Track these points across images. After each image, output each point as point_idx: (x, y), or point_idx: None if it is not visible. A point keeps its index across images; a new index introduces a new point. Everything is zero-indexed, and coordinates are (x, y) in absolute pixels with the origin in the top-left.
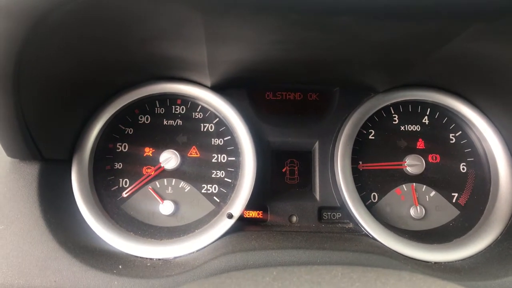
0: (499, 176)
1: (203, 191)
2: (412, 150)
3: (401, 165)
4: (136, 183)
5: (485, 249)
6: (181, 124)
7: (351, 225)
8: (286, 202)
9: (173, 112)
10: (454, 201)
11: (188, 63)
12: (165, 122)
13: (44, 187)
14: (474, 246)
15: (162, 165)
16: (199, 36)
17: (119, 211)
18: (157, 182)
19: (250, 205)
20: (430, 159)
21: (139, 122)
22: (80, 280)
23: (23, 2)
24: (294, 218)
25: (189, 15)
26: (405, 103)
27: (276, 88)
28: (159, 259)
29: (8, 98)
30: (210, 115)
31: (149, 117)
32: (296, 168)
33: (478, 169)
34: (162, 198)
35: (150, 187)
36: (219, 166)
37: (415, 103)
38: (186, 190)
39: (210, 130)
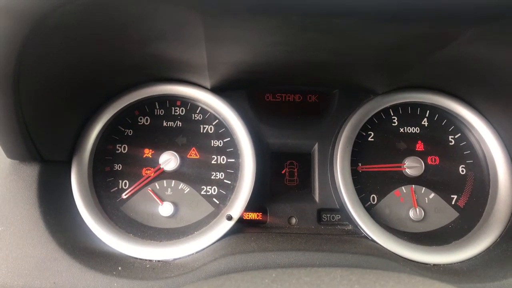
0: (498, 178)
1: (202, 192)
2: (411, 152)
3: (400, 167)
4: (136, 184)
5: (484, 251)
6: (180, 125)
7: (350, 227)
8: (286, 204)
9: (173, 113)
10: (453, 203)
11: (188, 65)
12: (164, 124)
13: (43, 189)
14: (473, 248)
15: (161, 166)
16: (198, 37)
17: (119, 212)
18: (156, 184)
19: (249, 207)
20: (429, 161)
21: (139, 123)
22: (79, 281)
23: (23, 3)
24: (294, 220)
25: (188, 17)
26: (404, 105)
27: (275, 90)
28: (158, 261)
29: (8, 99)
30: (209, 116)
31: (148, 118)
32: (295, 170)
33: (477, 171)
34: (162, 200)
35: (149, 188)
36: (219, 167)
37: (415, 105)
38: (185, 192)
39: (210, 131)
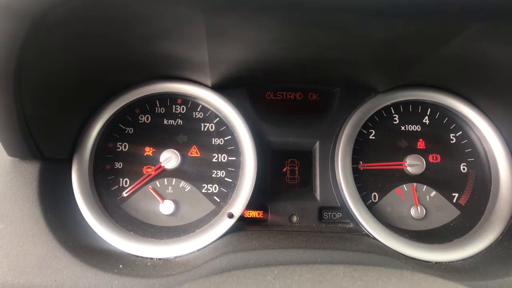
0: (500, 176)
1: (203, 190)
2: (412, 150)
3: (401, 165)
4: (136, 182)
5: (485, 249)
6: (181, 123)
7: (351, 225)
8: (287, 202)
9: (174, 111)
10: (454, 201)
11: (189, 62)
12: (165, 122)
13: (44, 186)
14: (475, 246)
15: (162, 164)
16: (200, 35)
17: (119, 210)
18: (157, 182)
19: (250, 205)
20: (430, 159)
21: (140, 121)
22: (80, 279)
23: (25, 1)
24: (295, 218)
25: (190, 14)
26: (405, 103)
27: (276, 88)
28: (159, 259)
29: (9, 97)
30: (210, 114)
31: (149, 116)
32: (296, 168)
33: (479, 169)
34: (162, 198)
35: (150, 186)
36: (220, 165)
37: (416, 103)
38: (186, 190)
39: (211, 129)
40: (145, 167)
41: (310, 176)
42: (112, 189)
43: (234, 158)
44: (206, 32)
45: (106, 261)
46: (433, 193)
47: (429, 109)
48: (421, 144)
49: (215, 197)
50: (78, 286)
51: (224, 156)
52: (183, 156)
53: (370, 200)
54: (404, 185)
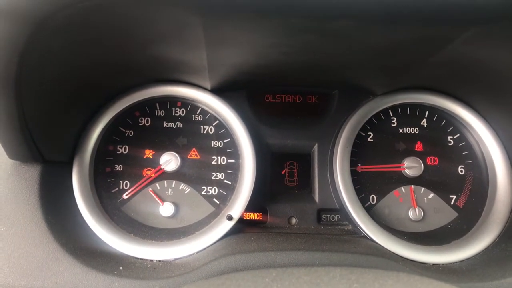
0: (497, 178)
1: (203, 193)
2: (410, 153)
3: (399, 167)
4: (137, 185)
5: (483, 251)
6: (181, 126)
7: (350, 227)
8: (286, 204)
9: (173, 114)
10: (452, 203)
11: (188, 66)
12: (165, 125)
13: (45, 189)
14: (472, 248)
15: (162, 167)
16: (199, 39)
17: (120, 212)
18: (157, 184)
19: (249, 207)
20: (428, 162)
21: (140, 124)
22: (81, 281)
23: (26, 5)
24: (293, 220)
25: (188, 19)
26: (403, 106)
27: (275, 91)
28: (159, 261)
29: (10, 101)
30: (210, 117)
31: (149, 119)
32: (295, 170)
33: (476, 171)
34: (162, 200)
35: (150, 189)
36: (219, 168)
37: (414, 106)
38: (186, 192)
39: (210, 132)
40: (145, 169)
41: (308, 179)
42: (113, 191)
43: (233, 161)
44: (205, 36)
45: (106, 263)
46: (431, 195)
47: (427, 112)
48: (419, 147)
49: (214, 199)
50: None
51: (223, 159)
52: (183, 159)
53: (369, 202)
54: (402, 187)
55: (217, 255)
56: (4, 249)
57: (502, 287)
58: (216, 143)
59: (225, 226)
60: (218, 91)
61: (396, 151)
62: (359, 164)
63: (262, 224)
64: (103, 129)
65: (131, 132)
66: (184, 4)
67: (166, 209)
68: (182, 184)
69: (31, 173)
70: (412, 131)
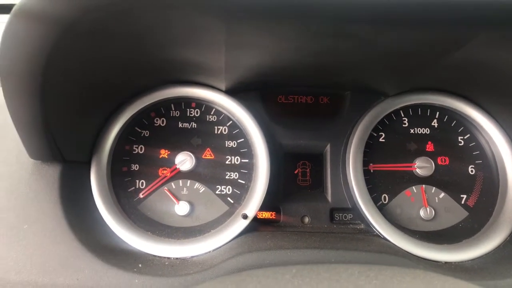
0: (507, 178)
1: (217, 192)
2: (421, 153)
3: (411, 167)
4: (152, 184)
5: (494, 249)
6: (195, 126)
7: (362, 226)
8: (299, 203)
9: (188, 115)
10: (463, 202)
11: (205, 68)
12: (180, 125)
13: (65, 188)
14: (483, 246)
15: (177, 166)
16: (219, 42)
17: (136, 211)
18: (172, 183)
19: (263, 206)
20: (439, 161)
21: (155, 124)
22: (102, 278)
23: (55, 9)
24: (307, 219)
25: (211, 23)
26: (414, 107)
27: (288, 92)
28: (176, 258)
29: (34, 103)
30: (223, 118)
31: (164, 120)
32: (308, 170)
33: (487, 171)
34: (178, 199)
35: (166, 188)
36: (233, 168)
37: (425, 106)
38: (201, 191)
39: (224, 132)
40: (160, 169)
41: (321, 178)
42: (129, 190)
43: (247, 160)
44: (226, 40)
45: (125, 260)
46: (442, 194)
47: (438, 113)
48: (430, 147)
49: (228, 198)
50: (100, 284)
51: (237, 158)
52: (198, 159)
53: (381, 202)
54: (413, 187)
55: (234, 253)
56: (27, 246)
57: None
58: (230, 143)
59: (240, 224)
60: (232, 92)
61: (408, 151)
62: (371, 164)
63: (276, 223)
64: (120, 129)
65: (147, 133)
66: (211, 11)
67: (181, 208)
68: (197, 184)
69: (52, 172)
70: (423, 131)
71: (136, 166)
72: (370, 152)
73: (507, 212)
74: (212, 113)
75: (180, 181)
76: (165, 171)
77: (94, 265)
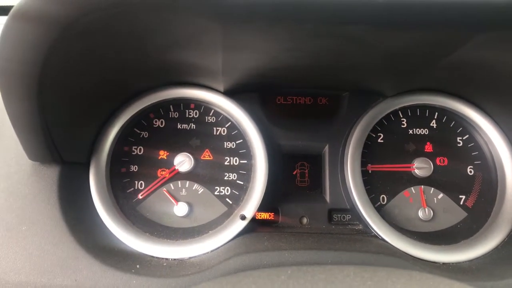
0: (506, 178)
1: (216, 193)
2: (420, 153)
3: (409, 167)
4: (151, 185)
5: (492, 250)
6: (194, 128)
7: (360, 227)
8: (297, 204)
9: (187, 116)
10: (461, 203)
11: (203, 70)
12: (179, 126)
13: (63, 189)
14: (482, 247)
15: (176, 167)
16: (216, 45)
17: (135, 212)
18: (171, 184)
19: (261, 207)
20: (438, 162)
21: (154, 126)
22: (99, 279)
23: (54, 10)
24: (305, 220)
25: (209, 26)
26: (413, 107)
27: (286, 93)
28: (174, 259)
29: (32, 103)
30: (222, 119)
31: (163, 121)
32: (306, 170)
33: (485, 172)
34: (176, 200)
35: (164, 189)
36: (232, 168)
37: (423, 107)
38: (199, 192)
39: (223, 133)
40: (159, 170)
41: (319, 179)
42: (128, 191)
43: (245, 161)
44: (223, 42)
45: (123, 261)
46: (441, 195)
47: (436, 113)
48: (428, 147)
49: (227, 199)
50: (98, 285)
51: (236, 159)
52: (196, 160)
53: (379, 202)
54: (412, 188)
55: (232, 253)
56: (25, 247)
57: (511, 286)
58: (228, 144)
59: (238, 225)
60: (230, 93)
61: (406, 152)
62: (369, 165)
63: (274, 223)
64: (119, 130)
65: (146, 134)
66: (206, 12)
67: (180, 209)
68: (196, 185)
69: (50, 173)
70: (422, 132)
71: (135, 167)
72: (369, 152)
73: (506, 213)
74: (210, 114)
75: (179, 182)
76: (164, 172)
77: (92, 266)
